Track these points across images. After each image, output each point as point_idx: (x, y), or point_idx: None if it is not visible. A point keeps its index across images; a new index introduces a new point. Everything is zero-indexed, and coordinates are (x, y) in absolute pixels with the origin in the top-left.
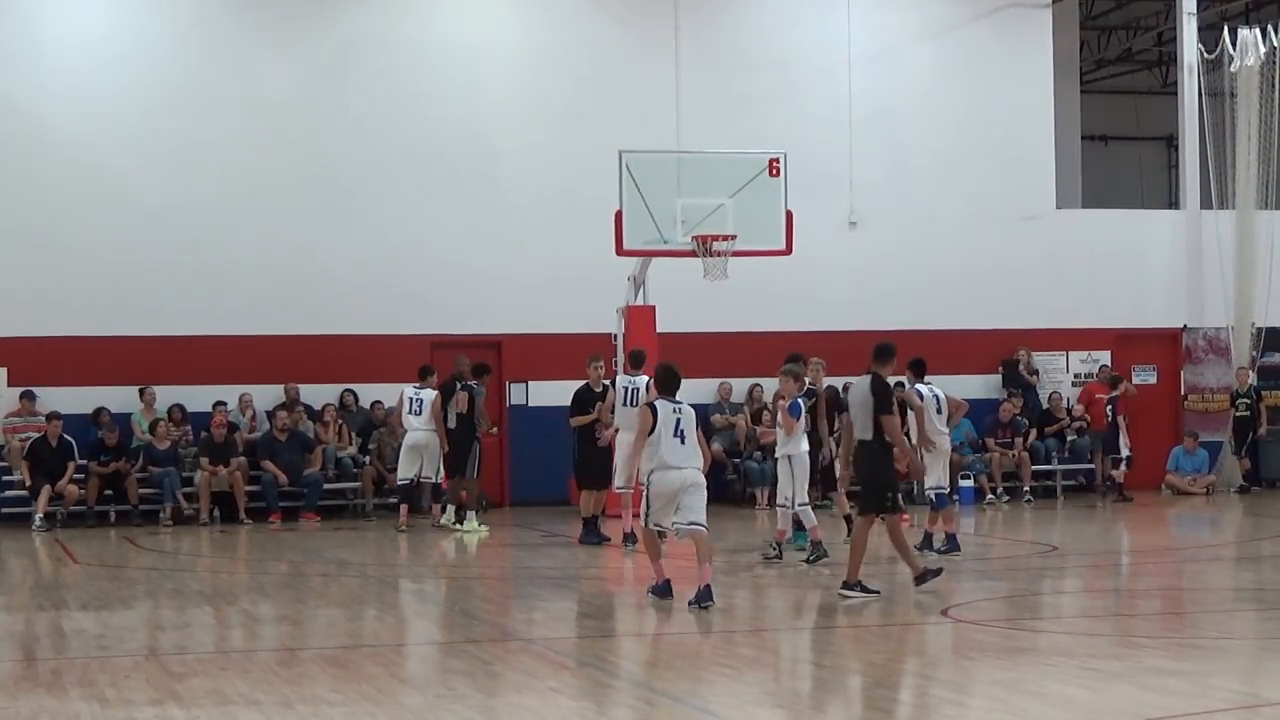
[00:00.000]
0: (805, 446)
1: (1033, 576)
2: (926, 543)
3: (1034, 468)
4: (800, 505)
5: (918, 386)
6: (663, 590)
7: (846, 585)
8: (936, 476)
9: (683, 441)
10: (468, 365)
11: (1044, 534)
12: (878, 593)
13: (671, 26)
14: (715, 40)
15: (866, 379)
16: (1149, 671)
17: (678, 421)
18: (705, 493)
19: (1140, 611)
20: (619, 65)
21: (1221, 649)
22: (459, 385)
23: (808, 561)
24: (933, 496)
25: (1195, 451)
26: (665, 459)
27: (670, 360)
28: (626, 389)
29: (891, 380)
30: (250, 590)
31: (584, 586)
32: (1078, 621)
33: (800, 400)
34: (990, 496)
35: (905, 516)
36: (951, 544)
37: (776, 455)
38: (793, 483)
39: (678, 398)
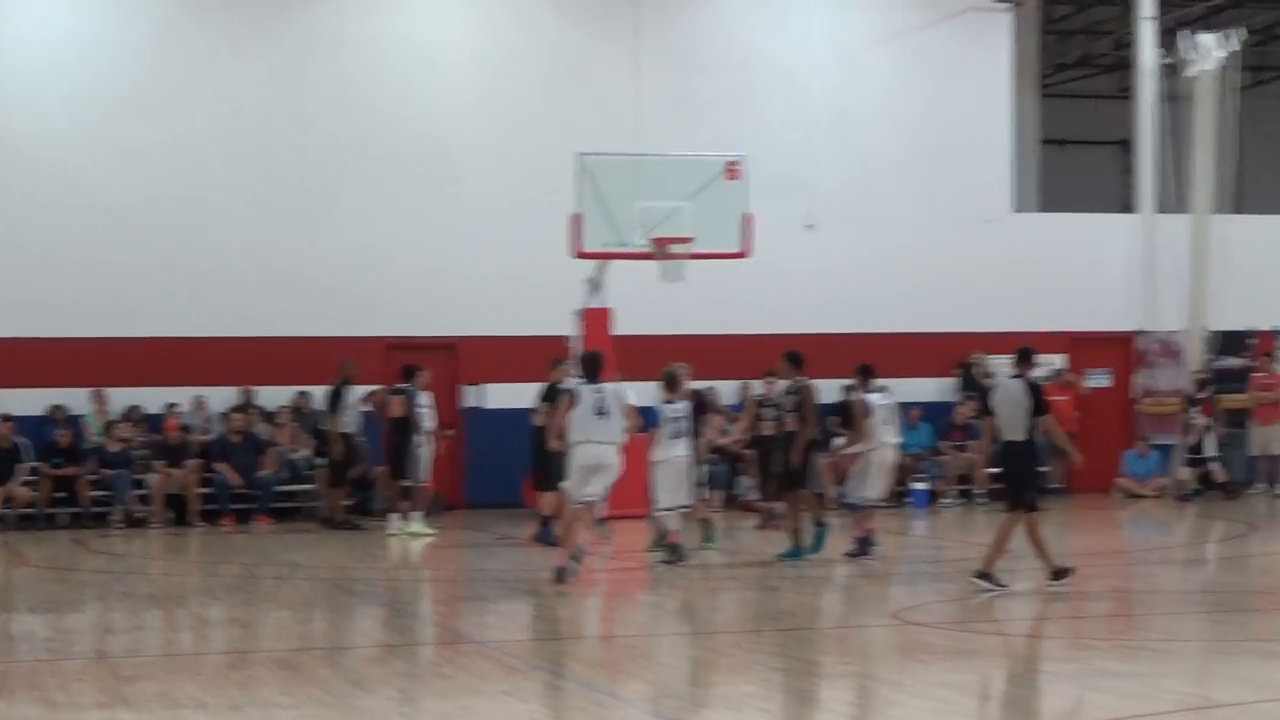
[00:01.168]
0: (678, 452)
1: None
2: (862, 548)
3: (987, 470)
4: (661, 510)
5: (867, 394)
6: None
7: (980, 574)
8: (873, 488)
9: (604, 417)
10: (354, 368)
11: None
12: (1005, 586)
13: (631, 28)
14: (675, 42)
15: (1018, 381)
16: (1099, 673)
17: (600, 400)
18: (615, 474)
19: (1090, 614)
20: (578, 67)
21: (1171, 651)
22: (398, 389)
23: (666, 563)
24: (855, 502)
25: (1147, 455)
26: (586, 434)
27: (625, 361)
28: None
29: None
30: (201, 593)
31: (537, 589)
32: (1028, 624)
33: (683, 404)
34: (944, 499)
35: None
36: (864, 546)
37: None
38: (662, 487)
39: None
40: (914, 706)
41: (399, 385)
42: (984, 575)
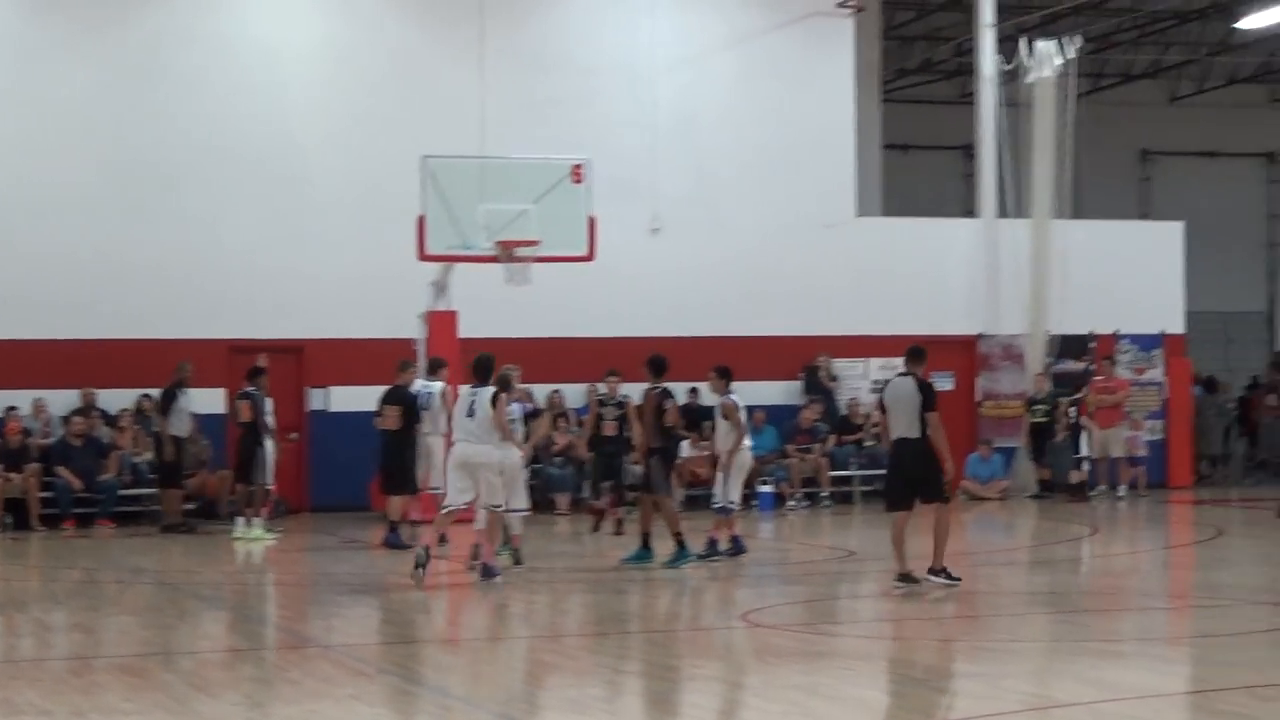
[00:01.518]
0: (517, 455)
1: (830, 581)
2: (711, 548)
3: (832, 473)
4: (511, 511)
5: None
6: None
7: (933, 571)
8: (733, 489)
9: (470, 418)
10: (188, 371)
11: (842, 539)
12: (959, 580)
13: (476, 30)
14: (520, 45)
15: (909, 379)
16: (944, 674)
17: (471, 402)
18: (500, 474)
19: (935, 615)
20: (423, 68)
21: (1014, 651)
22: (245, 393)
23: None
24: (720, 506)
25: (990, 458)
26: (456, 435)
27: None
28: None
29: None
30: (42, 598)
31: (383, 593)
32: (875, 625)
33: (518, 406)
34: (790, 502)
35: None
36: (713, 548)
37: None
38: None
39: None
40: (764, 709)
41: (245, 389)
42: (935, 572)
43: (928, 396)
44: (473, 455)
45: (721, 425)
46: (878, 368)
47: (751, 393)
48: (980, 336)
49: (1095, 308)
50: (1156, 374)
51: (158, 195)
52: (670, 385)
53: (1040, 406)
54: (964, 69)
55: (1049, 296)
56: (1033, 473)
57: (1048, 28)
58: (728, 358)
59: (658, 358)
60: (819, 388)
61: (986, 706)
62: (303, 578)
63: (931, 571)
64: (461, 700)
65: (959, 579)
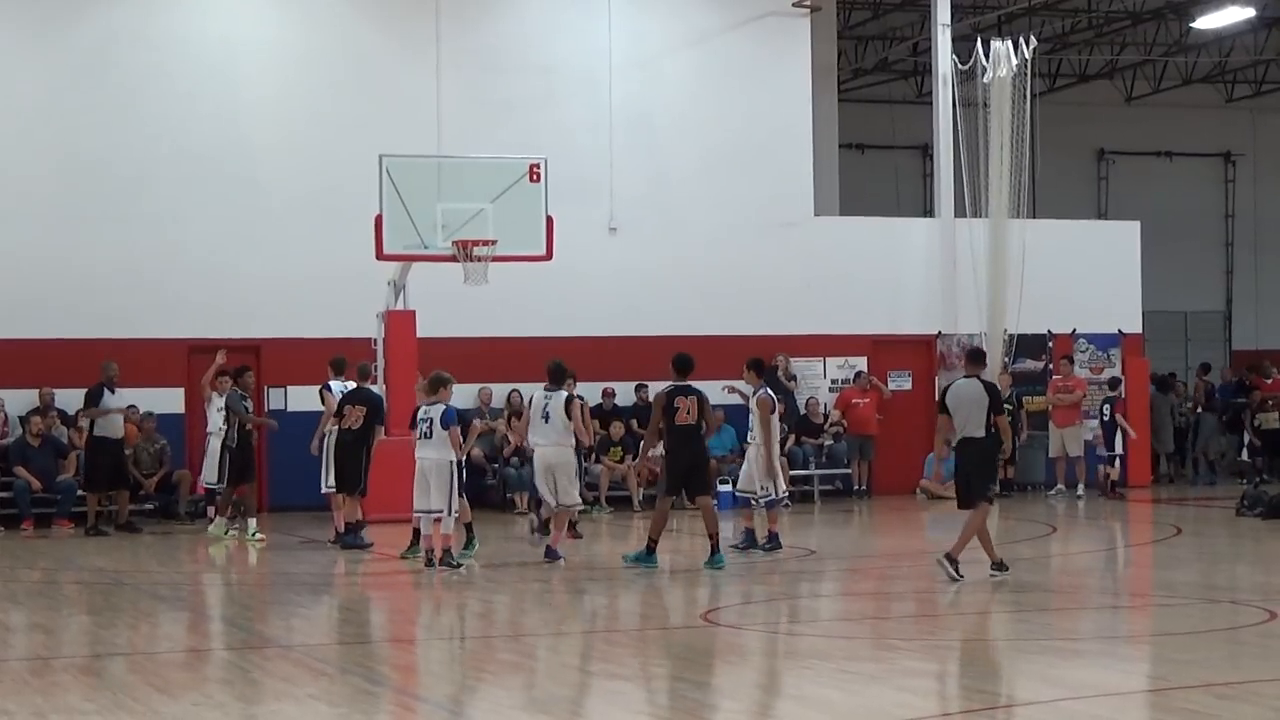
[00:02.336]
0: (452, 456)
1: (790, 580)
2: (773, 540)
3: (792, 472)
4: (417, 511)
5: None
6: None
7: (948, 557)
8: (777, 482)
9: (546, 422)
10: (114, 370)
11: (801, 538)
12: (962, 578)
13: (433, 30)
14: (476, 45)
15: (975, 381)
16: (904, 673)
17: (545, 406)
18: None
19: (895, 614)
20: (380, 68)
21: (974, 650)
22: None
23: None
24: (770, 500)
25: (948, 457)
26: (534, 440)
27: (439, 367)
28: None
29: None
30: (1, 598)
31: (344, 592)
32: (834, 624)
33: (453, 409)
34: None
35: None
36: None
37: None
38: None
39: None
40: (725, 708)
41: (239, 391)
42: (951, 560)
43: (995, 399)
44: (554, 458)
45: (757, 420)
46: (836, 367)
47: (709, 392)
48: (938, 335)
49: (1053, 307)
50: (1114, 373)
51: (115, 195)
52: (696, 383)
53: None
54: (920, 69)
55: (1007, 296)
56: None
57: (1003, 28)
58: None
59: (681, 357)
60: (778, 387)
61: (945, 705)
62: (262, 577)
63: (948, 558)
64: (423, 700)
65: (963, 576)
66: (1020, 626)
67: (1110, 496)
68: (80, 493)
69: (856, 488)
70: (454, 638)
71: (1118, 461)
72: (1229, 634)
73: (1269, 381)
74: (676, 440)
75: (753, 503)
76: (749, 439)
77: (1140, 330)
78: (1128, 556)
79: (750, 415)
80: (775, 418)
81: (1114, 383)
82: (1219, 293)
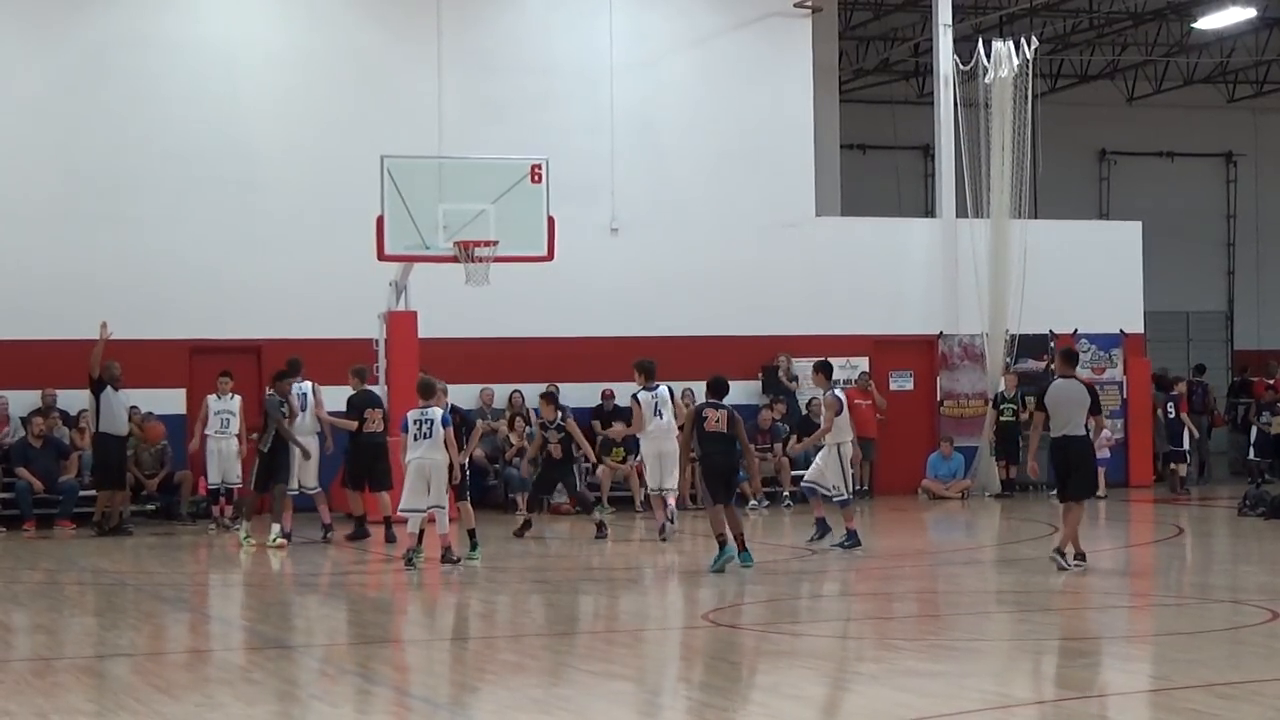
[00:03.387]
0: (415, 455)
1: (792, 580)
2: (853, 538)
3: (793, 473)
4: (409, 510)
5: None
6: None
7: (1059, 551)
8: (845, 479)
9: (659, 417)
10: (117, 370)
11: (803, 538)
12: (1069, 568)
13: (434, 31)
14: (478, 46)
15: (1074, 381)
16: (905, 673)
17: (656, 403)
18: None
19: (897, 614)
20: (381, 69)
21: (975, 650)
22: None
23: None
24: (842, 499)
25: (951, 456)
26: (652, 432)
27: (425, 369)
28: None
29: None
30: (3, 599)
31: (345, 592)
32: (836, 624)
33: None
34: (751, 502)
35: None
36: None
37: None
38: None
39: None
40: (725, 708)
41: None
42: (1061, 553)
43: (1095, 399)
44: (668, 449)
45: (828, 419)
46: (837, 367)
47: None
48: (940, 336)
49: (1055, 307)
50: (1116, 373)
51: (116, 196)
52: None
53: (1008, 405)
54: (922, 69)
55: (1008, 296)
56: (995, 472)
57: (1005, 28)
58: (686, 357)
59: (718, 380)
60: (779, 388)
61: (947, 705)
62: (264, 578)
63: (1058, 551)
64: (424, 701)
65: (1073, 566)
66: (1020, 626)
67: (1178, 494)
68: (84, 493)
69: (858, 488)
70: (454, 638)
71: (1187, 459)
72: (1231, 634)
73: (1271, 382)
74: (711, 447)
75: (823, 498)
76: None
77: (1142, 330)
78: (1129, 556)
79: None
80: (842, 417)
81: (1172, 381)
82: (1220, 293)
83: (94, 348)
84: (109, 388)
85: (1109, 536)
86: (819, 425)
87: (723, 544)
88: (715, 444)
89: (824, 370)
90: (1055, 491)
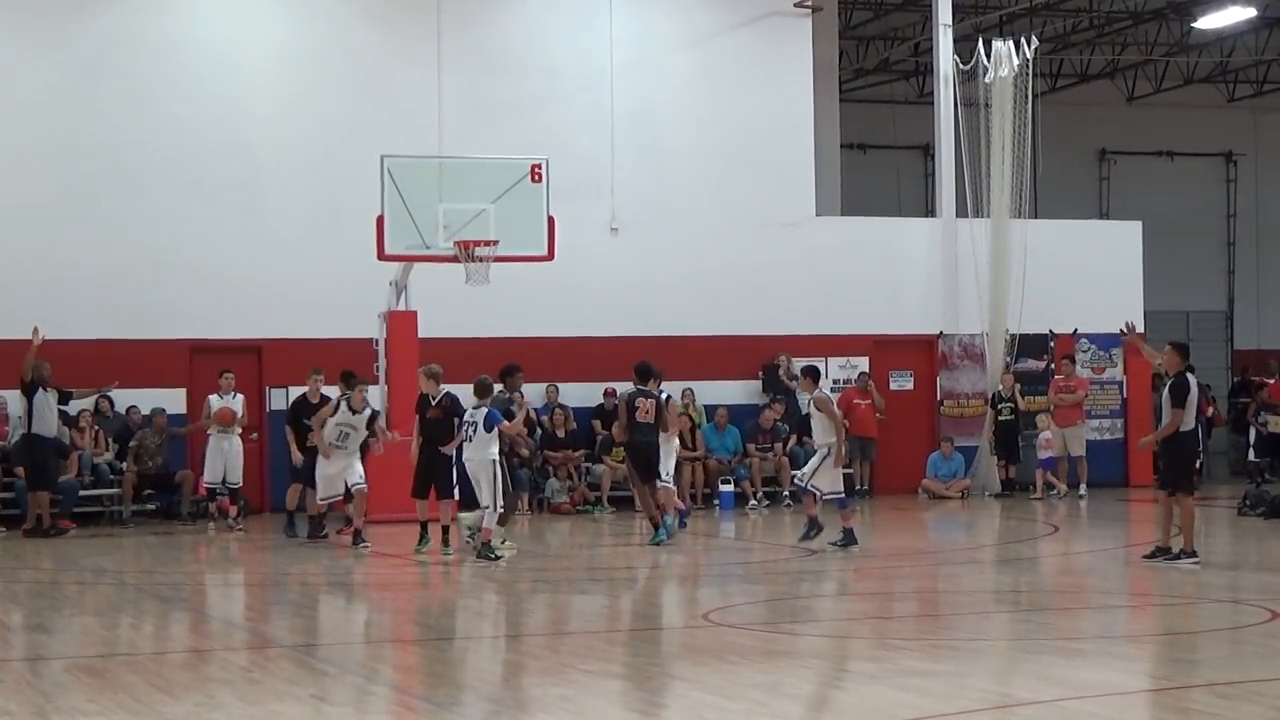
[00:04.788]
0: (494, 455)
1: (792, 580)
2: (849, 536)
3: (793, 472)
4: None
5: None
6: None
7: (1186, 553)
8: (836, 480)
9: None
10: (46, 370)
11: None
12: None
13: (433, 31)
14: (477, 45)
15: (1192, 377)
16: (905, 673)
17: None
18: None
19: (897, 614)
20: (381, 69)
21: (976, 650)
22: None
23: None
24: (839, 498)
25: (951, 456)
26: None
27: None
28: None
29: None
30: (3, 599)
31: (343, 592)
32: (836, 624)
33: (496, 411)
34: (751, 501)
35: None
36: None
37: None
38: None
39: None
40: (726, 708)
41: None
42: (1189, 553)
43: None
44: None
45: (819, 421)
46: (837, 367)
47: (711, 392)
48: (940, 335)
49: (1054, 307)
50: (1116, 373)
51: (116, 196)
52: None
53: (1005, 405)
54: (922, 69)
55: (1008, 296)
56: (995, 472)
57: (1005, 28)
58: (687, 357)
59: (642, 364)
60: (779, 387)
61: (947, 705)
62: (265, 577)
63: (1183, 553)
64: (424, 700)
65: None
66: (1021, 626)
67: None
68: (85, 492)
69: (858, 488)
70: (455, 637)
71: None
72: (1231, 633)
73: (1272, 382)
74: (640, 435)
75: (818, 497)
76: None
77: (1142, 330)
78: (1129, 556)
79: (812, 420)
80: (827, 417)
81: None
82: (1220, 292)
83: (27, 351)
84: (40, 390)
85: (1109, 536)
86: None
87: (656, 523)
88: (642, 432)
89: (812, 375)
90: (1163, 486)
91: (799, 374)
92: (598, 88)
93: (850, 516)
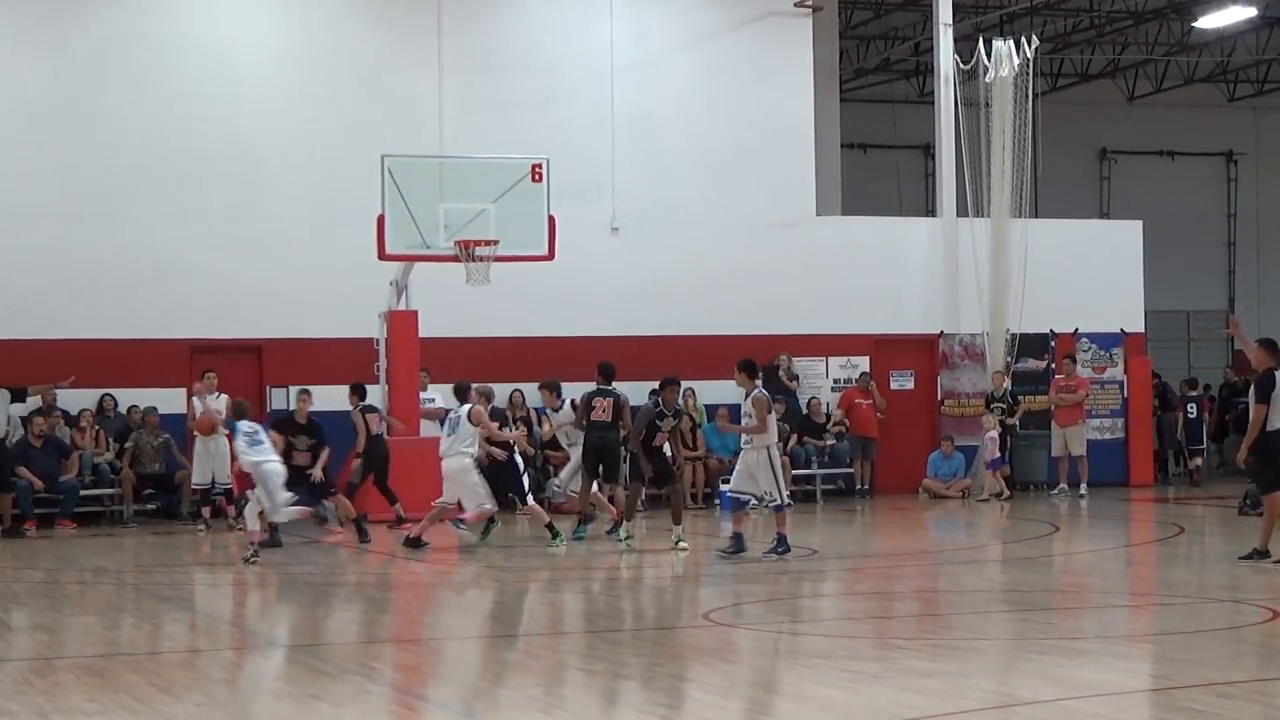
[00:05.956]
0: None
1: (792, 579)
2: (781, 542)
3: (794, 472)
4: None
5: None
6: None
7: (1259, 553)
8: (776, 482)
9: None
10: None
11: (804, 537)
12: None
13: (434, 31)
14: (478, 45)
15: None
16: (906, 672)
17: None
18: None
19: (898, 613)
20: (381, 69)
21: (976, 649)
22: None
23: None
24: (777, 504)
25: (951, 456)
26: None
27: (430, 364)
28: None
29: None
30: (4, 599)
31: (344, 591)
32: (837, 624)
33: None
34: (752, 501)
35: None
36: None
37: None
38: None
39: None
40: (725, 707)
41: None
42: (1263, 553)
43: None
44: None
45: (760, 418)
46: (838, 366)
47: (712, 392)
48: (940, 335)
49: (1055, 306)
50: (1116, 373)
51: (116, 196)
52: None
53: (998, 405)
54: (922, 68)
55: (1009, 295)
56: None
57: (1005, 27)
58: (688, 357)
59: (604, 364)
60: (779, 387)
61: (948, 705)
62: (264, 577)
63: (1259, 552)
64: (424, 700)
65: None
66: (1022, 626)
67: (1194, 485)
68: (85, 492)
69: (859, 487)
70: (455, 637)
71: (1204, 454)
72: (1231, 633)
73: None
74: (594, 434)
75: (755, 505)
76: (744, 441)
77: (1143, 330)
78: (1130, 556)
79: (746, 417)
80: (772, 417)
81: (1196, 383)
82: (1221, 292)
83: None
84: None
85: (1110, 536)
86: (820, 424)
87: (584, 520)
88: (599, 430)
89: (747, 370)
90: (1258, 487)
91: (736, 367)
92: (598, 87)
93: (784, 522)
